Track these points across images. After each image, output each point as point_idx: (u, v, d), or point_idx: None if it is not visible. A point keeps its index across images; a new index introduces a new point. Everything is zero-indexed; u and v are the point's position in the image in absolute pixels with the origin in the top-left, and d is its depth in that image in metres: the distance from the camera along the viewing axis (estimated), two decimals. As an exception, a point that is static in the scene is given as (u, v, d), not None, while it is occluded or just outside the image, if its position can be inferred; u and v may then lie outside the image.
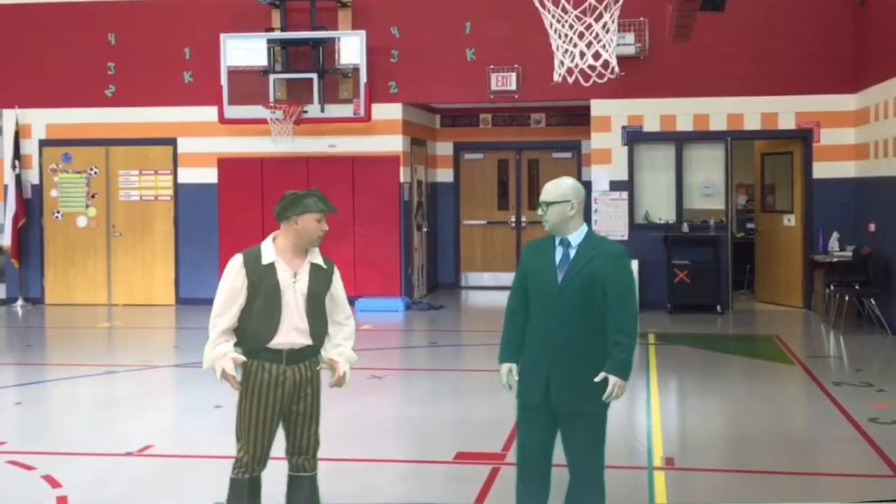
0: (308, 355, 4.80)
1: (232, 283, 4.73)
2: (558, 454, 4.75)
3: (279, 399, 4.73)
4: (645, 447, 7.16)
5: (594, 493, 4.69)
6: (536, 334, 4.69)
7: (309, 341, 4.76)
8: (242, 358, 4.72)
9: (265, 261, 4.74)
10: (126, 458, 6.94)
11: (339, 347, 4.91)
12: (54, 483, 6.27)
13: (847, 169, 13.70)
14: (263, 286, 4.70)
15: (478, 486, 6.18)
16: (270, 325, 4.69)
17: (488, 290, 16.44)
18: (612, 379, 4.54)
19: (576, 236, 4.68)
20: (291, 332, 4.71)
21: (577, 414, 4.63)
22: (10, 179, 14.97)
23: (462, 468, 6.67)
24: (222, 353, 4.69)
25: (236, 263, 4.76)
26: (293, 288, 4.73)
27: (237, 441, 4.80)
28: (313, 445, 4.87)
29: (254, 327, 4.70)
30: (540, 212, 4.72)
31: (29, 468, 6.60)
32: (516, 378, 4.74)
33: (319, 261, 4.85)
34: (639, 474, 6.49)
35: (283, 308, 4.70)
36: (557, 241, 4.71)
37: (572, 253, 4.66)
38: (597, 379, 4.54)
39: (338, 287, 4.92)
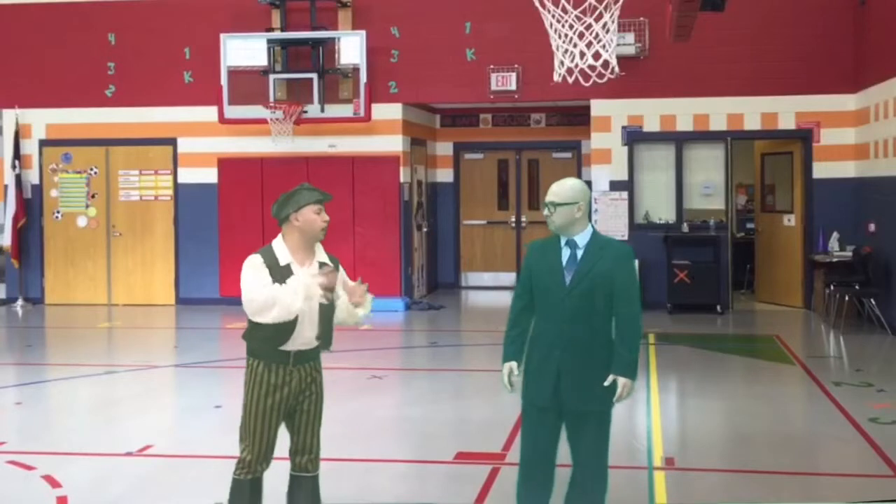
0: (314, 356, 4.81)
1: (255, 275, 4.62)
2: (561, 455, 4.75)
3: (284, 399, 4.72)
4: (645, 447, 7.16)
5: (599, 490, 4.70)
6: (544, 335, 4.68)
7: (316, 343, 4.76)
8: (330, 265, 4.68)
9: (282, 262, 4.70)
10: (126, 458, 6.94)
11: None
12: (54, 483, 6.27)
13: (847, 169, 13.70)
14: None
15: (478, 486, 6.17)
16: (287, 327, 4.65)
17: (488, 290, 16.44)
18: (621, 380, 4.56)
19: (582, 237, 4.67)
20: (306, 333, 4.70)
21: (586, 413, 4.64)
22: (10, 179, 14.96)
23: (462, 468, 6.66)
24: (305, 281, 4.57)
25: (257, 261, 4.68)
26: None
27: (241, 441, 4.79)
28: (317, 445, 4.86)
29: (270, 329, 4.64)
30: (546, 212, 4.67)
31: (29, 468, 6.60)
32: (517, 375, 4.72)
33: (325, 259, 4.84)
34: (639, 474, 6.49)
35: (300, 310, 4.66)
36: (563, 241, 4.69)
37: (580, 254, 4.64)
38: (606, 382, 4.56)
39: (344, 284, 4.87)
